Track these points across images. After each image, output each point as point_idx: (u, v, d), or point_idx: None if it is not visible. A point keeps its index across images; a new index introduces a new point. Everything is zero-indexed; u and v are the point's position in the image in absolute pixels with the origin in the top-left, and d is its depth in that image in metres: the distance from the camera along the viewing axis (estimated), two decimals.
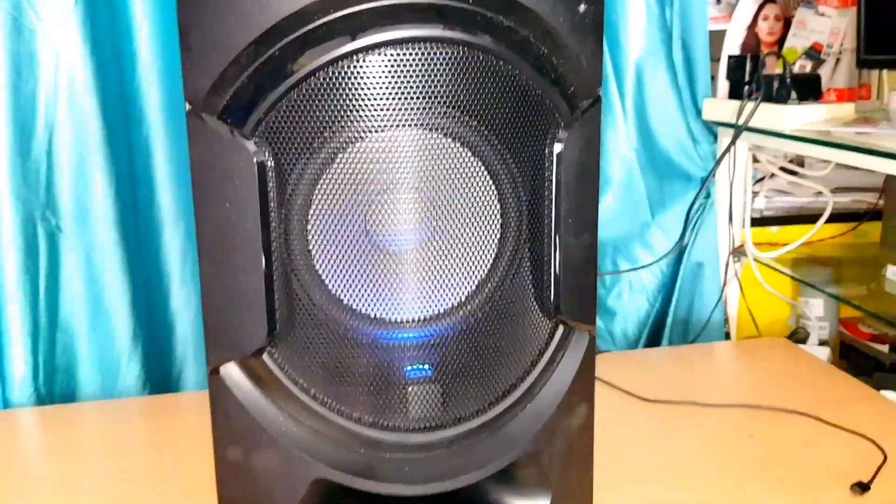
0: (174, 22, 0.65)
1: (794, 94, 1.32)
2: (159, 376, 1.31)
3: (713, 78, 1.50)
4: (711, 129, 1.51)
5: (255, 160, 0.68)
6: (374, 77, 0.67)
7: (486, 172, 0.74)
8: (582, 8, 0.71)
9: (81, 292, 1.23)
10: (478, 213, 0.74)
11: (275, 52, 0.66)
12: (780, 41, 1.57)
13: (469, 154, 0.73)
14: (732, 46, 1.59)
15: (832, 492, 0.88)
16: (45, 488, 0.91)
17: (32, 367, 1.19)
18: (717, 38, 1.54)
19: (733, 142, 1.37)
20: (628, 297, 1.52)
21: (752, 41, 1.60)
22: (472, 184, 0.74)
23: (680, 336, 1.51)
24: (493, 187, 0.74)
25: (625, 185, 1.49)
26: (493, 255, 0.75)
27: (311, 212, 0.71)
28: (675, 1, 1.44)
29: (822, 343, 1.45)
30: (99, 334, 1.24)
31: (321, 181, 0.70)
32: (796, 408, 1.05)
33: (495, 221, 0.75)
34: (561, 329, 0.79)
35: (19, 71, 1.14)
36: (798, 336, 1.47)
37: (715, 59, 1.53)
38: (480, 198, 0.74)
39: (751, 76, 1.40)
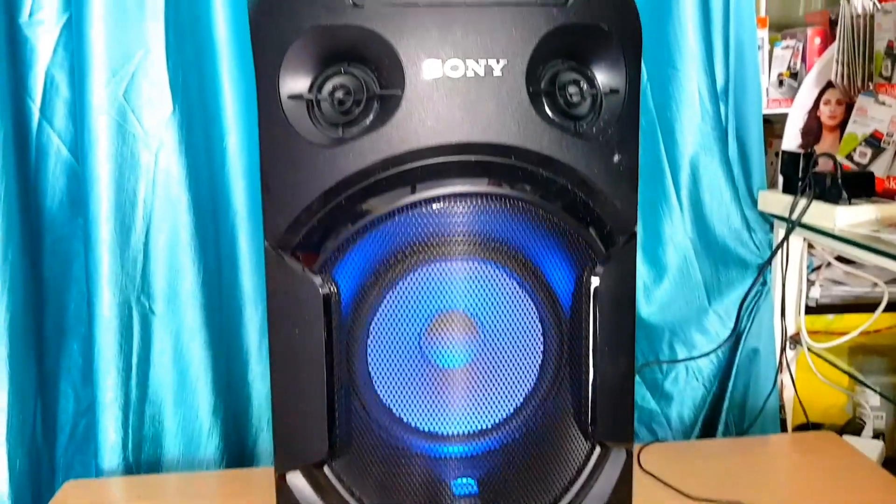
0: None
1: (845, 194, 1.34)
2: (237, 445, 1.41)
3: (777, 155, 1.53)
4: (767, 217, 1.54)
5: (321, 292, 0.77)
6: (428, 222, 0.76)
7: (529, 301, 0.82)
8: (616, 158, 0.79)
9: (169, 368, 1.34)
10: (522, 337, 0.82)
11: (341, 201, 0.76)
12: (842, 125, 1.59)
13: (514, 283, 0.81)
14: (794, 129, 1.62)
15: None
16: None
17: (122, 437, 1.30)
18: (779, 121, 1.58)
19: (786, 237, 1.41)
20: (684, 382, 1.55)
21: (813, 124, 1.62)
22: (517, 310, 0.82)
23: (736, 421, 1.53)
24: (535, 315, 0.82)
25: (681, 271, 1.53)
26: (536, 377, 0.83)
27: (370, 335, 0.80)
28: (730, 97, 1.48)
29: (877, 434, 1.46)
30: (184, 408, 1.34)
31: (380, 308, 0.80)
32: None
33: (538, 346, 0.83)
34: (598, 449, 0.85)
35: (122, 172, 1.26)
36: (853, 426, 1.48)
37: (779, 136, 1.56)
38: (524, 323, 0.82)
39: (804, 173, 1.43)
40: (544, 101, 0.75)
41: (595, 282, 0.80)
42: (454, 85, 0.72)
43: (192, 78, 1.29)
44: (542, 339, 0.81)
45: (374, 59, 0.73)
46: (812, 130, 1.61)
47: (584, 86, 0.76)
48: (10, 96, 1.18)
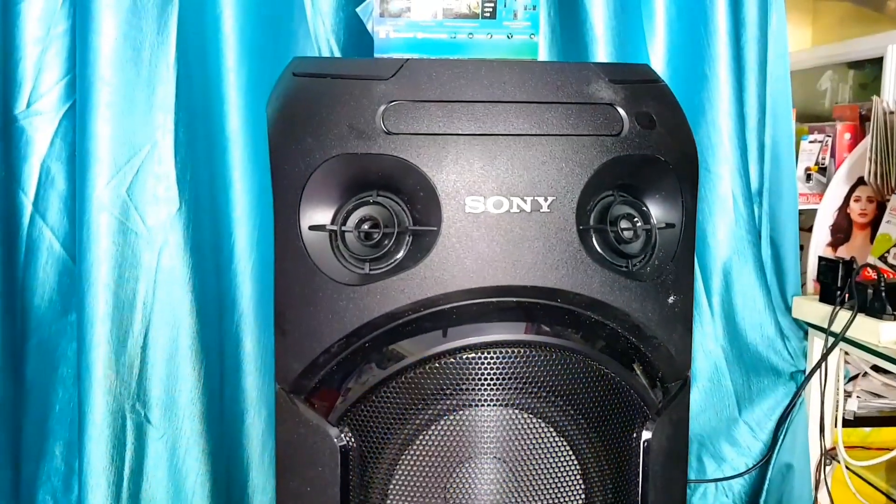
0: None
1: (889, 308, 1.27)
2: None
3: (802, 247, 1.47)
4: (802, 324, 1.47)
5: (338, 445, 0.69)
6: (461, 370, 0.67)
7: (570, 451, 0.73)
8: (671, 300, 0.71)
9: (164, 482, 1.24)
10: (560, 493, 0.73)
11: (364, 344, 0.67)
12: (873, 223, 1.53)
13: (552, 431, 0.72)
14: (823, 226, 1.55)
15: None
16: None
17: None
18: (804, 215, 1.51)
19: (827, 353, 1.32)
20: (713, 498, 1.46)
21: (843, 222, 1.56)
22: (556, 463, 0.73)
23: None
24: (577, 469, 0.73)
25: (711, 379, 1.45)
26: None
27: (391, 486, 0.71)
28: (765, 199, 1.42)
29: None
30: None
31: (402, 459, 0.71)
32: None
33: (578, 501, 0.74)
34: None
35: (122, 272, 1.18)
36: None
37: (806, 229, 1.50)
38: (564, 478, 0.73)
39: (843, 282, 1.36)
40: (594, 238, 0.67)
41: (646, 435, 0.72)
42: (497, 222, 0.65)
43: (201, 172, 1.22)
44: (583, 495, 0.72)
45: (408, 190, 0.66)
46: (842, 228, 1.55)
47: (638, 221, 0.68)
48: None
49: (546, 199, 0.65)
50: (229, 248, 1.26)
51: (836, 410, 1.43)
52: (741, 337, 1.44)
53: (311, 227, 0.67)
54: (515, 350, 0.66)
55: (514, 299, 0.66)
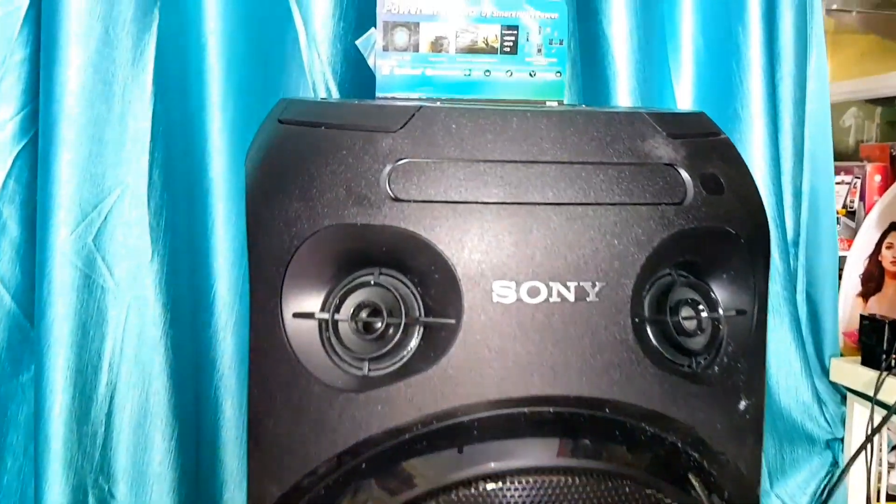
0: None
1: None
2: None
3: None
4: (840, 388, 1.34)
5: None
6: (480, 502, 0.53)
7: None
8: (742, 405, 0.57)
9: None
10: None
11: (360, 465, 0.53)
12: None
13: None
14: (853, 275, 1.45)
15: None
16: None
17: None
18: None
19: (877, 430, 1.19)
20: None
21: (874, 270, 1.47)
22: None
23: None
24: None
25: None
26: None
27: None
28: (801, 252, 1.30)
29: None
30: None
31: None
32: None
33: None
34: None
35: (86, 331, 1.05)
36: None
37: None
38: None
39: (889, 345, 1.23)
40: (649, 331, 0.54)
41: None
42: (533, 314, 0.51)
43: (179, 219, 1.09)
44: None
45: (420, 272, 0.52)
46: (873, 276, 1.44)
47: (703, 307, 0.54)
48: None
49: (594, 286, 0.51)
50: (208, 302, 1.12)
51: (879, 483, 1.31)
52: (774, 402, 1.32)
53: (296, 315, 0.53)
54: (553, 479, 0.52)
55: (552, 409, 0.52)
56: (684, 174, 0.54)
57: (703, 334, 0.56)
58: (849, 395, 1.32)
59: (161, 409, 1.10)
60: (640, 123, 0.54)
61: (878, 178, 1.54)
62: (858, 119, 1.77)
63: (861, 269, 1.48)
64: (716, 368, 0.56)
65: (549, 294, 0.51)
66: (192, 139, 1.08)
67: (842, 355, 1.38)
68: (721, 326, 0.56)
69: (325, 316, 0.54)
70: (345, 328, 0.54)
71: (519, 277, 0.51)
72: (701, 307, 0.56)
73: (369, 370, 0.53)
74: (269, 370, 0.53)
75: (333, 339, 0.53)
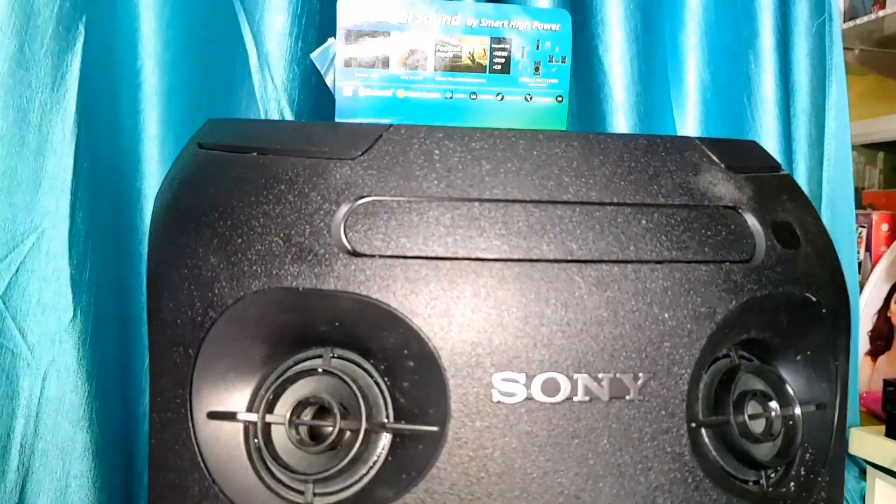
0: None
1: None
2: None
3: None
4: (858, 461, 1.21)
5: None
6: None
7: None
8: None
9: None
10: None
11: None
12: None
13: None
14: (860, 333, 1.35)
15: None
16: None
17: None
18: None
19: None
20: None
21: (883, 326, 1.38)
22: None
23: None
24: None
25: None
26: None
27: None
28: None
29: None
30: None
31: None
32: None
33: None
34: None
35: None
36: None
37: None
38: None
39: None
40: (705, 437, 0.38)
41: None
42: (550, 419, 0.35)
43: (106, 271, 0.95)
44: None
45: (387, 355, 0.36)
46: (881, 334, 1.35)
47: (774, 404, 0.39)
48: None
49: (637, 379, 0.36)
50: (142, 367, 0.98)
51: None
52: None
53: (212, 415, 0.37)
54: None
55: None
56: (752, 220, 0.40)
57: (773, 439, 0.41)
58: (869, 469, 1.19)
59: (85, 495, 0.96)
60: (690, 152, 0.40)
61: (885, 227, 1.47)
62: (859, 164, 1.76)
63: (869, 326, 1.40)
64: (791, 485, 0.41)
65: (573, 391, 0.36)
66: (122, 178, 0.96)
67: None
68: (797, 427, 0.41)
69: (253, 417, 0.38)
70: (280, 434, 0.38)
71: (530, 367, 0.36)
72: (771, 402, 0.41)
73: (314, 496, 0.37)
74: (172, 491, 0.37)
75: (264, 451, 0.38)
